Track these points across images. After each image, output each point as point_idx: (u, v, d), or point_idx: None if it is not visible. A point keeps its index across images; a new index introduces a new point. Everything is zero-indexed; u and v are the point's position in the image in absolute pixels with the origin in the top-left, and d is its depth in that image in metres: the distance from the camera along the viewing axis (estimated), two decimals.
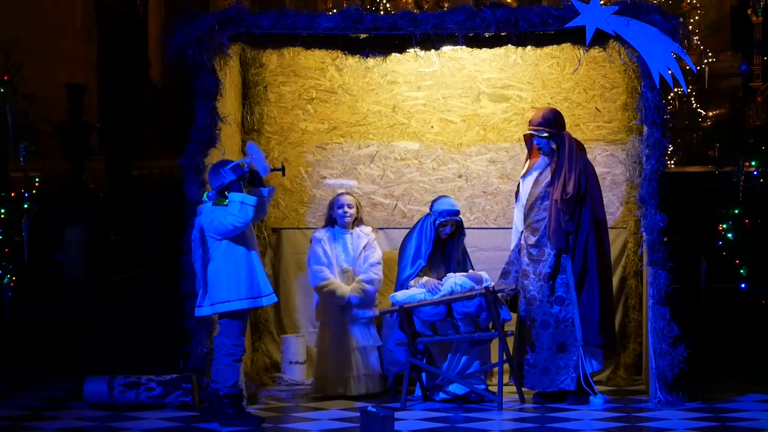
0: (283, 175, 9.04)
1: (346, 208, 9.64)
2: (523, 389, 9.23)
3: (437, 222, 9.33)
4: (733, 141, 11.74)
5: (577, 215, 9.08)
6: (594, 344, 9.15)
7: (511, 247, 9.42)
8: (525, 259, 9.22)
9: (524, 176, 9.34)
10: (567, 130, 9.59)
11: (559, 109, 9.48)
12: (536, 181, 9.24)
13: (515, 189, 9.52)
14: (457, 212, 9.38)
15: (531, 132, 9.21)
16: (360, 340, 9.59)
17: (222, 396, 8.55)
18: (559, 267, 9.12)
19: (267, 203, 8.74)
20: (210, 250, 8.54)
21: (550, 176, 9.17)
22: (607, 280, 9.28)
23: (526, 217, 9.27)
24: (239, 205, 8.40)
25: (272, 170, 8.76)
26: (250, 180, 8.62)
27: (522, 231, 9.32)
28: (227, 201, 8.47)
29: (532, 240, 9.19)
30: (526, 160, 9.42)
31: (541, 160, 9.27)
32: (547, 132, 9.12)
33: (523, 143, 9.62)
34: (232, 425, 8.48)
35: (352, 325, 9.58)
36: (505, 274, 9.36)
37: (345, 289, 9.53)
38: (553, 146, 9.15)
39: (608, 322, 9.23)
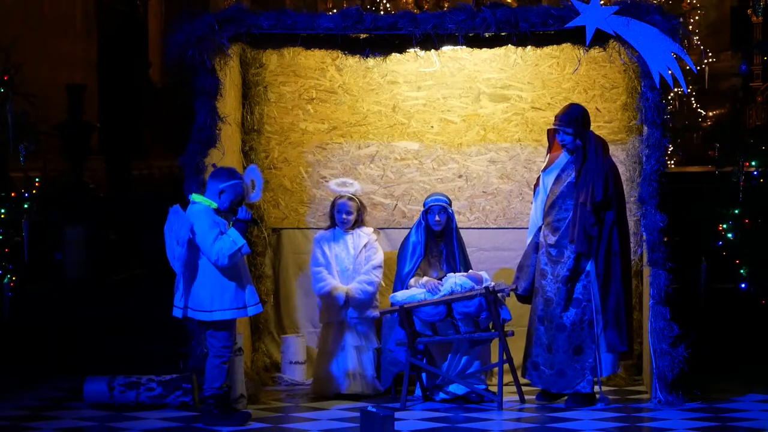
0: (258, 225, 9.06)
1: (344, 215, 9.65)
2: (523, 388, 9.22)
3: (425, 212, 9.35)
4: (733, 141, 11.73)
5: (603, 220, 9.00)
6: (620, 350, 9.08)
7: (527, 242, 9.33)
8: (544, 258, 9.14)
9: (546, 171, 9.24)
10: None
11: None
12: (558, 179, 9.14)
13: (534, 182, 9.38)
14: (443, 201, 9.37)
15: (556, 127, 9.15)
16: (356, 340, 9.59)
17: (207, 396, 8.55)
18: (578, 270, 9.05)
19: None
20: (198, 253, 8.53)
21: (574, 175, 9.06)
22: (630, 284, 9.22)
23: (546, 214, 9.18)
24: (236, 250, 8.39)
25: (250, 220, 8.65)
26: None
27: (541, 227, 9.25)
28: (228, 231, 8.48)
29: (552, 239, 9.11)
30: (547, 154, 9.34)
31: (562, 156, 9.16)
32: (572, 129, 9.02)
33: (523, 143, 9.64)
34: (216, 425, 8.48)
35: (350, 324, 9.59)
36: (520, 269, 9.31)
37: (342, 288, 9.53)
38: (578, 144, 9.07)
39: (631, 326, 9.19)
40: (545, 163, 9.30)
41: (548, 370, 9.12)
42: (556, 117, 9.14)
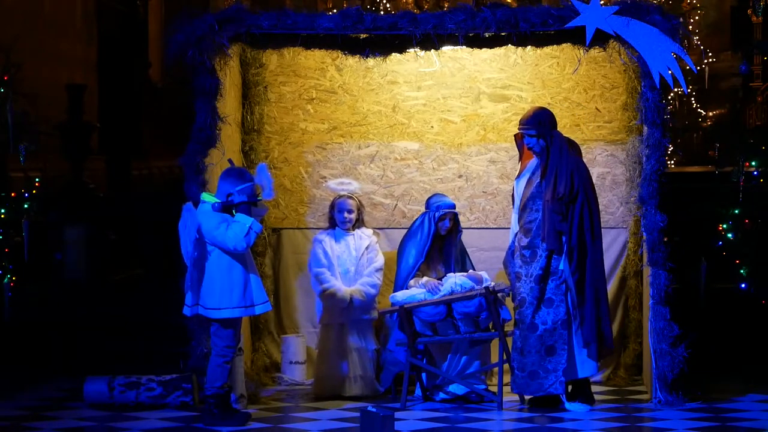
0: (257, 201, 9.04)
1: (346, 214, 9.65)
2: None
3: (436, 216, 9.34)
4: (733, 141, 11.73)
5: (570, 215, 8.98)
6: (589, 343, 9.02)
7: (507, 250, 9.33)
8: (518, 261, 9.11)
9: (518, 178, 9.26)
10: (567, 130, 9.57)
11: (555, 109, 9.46)
12: (529, 182, 9.12)
13: (512, 191, 9.44)
14: (453, 206, 9.40)
15: (520, 131, 9.13)
16: (357, 342, 9.59)
17: (208, 396, 8.55)
18: (550, 268, 9.01)
19: None
20: (206, 252, 8.53)
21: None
22: (601, 281, 9.14)
23: (519, 218, 9.17)
24: (247, 229, 8.40)
25: (246, 200, 8.57)
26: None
27: (517, 233, 9.24)
28: (234, 217, 8.47)
29: (525, 242, 9.07)
30: (519, 162, 9.35)
31: (533, 160, 9.17)
32: (535, 130, 9.01)
33: None
34: (216, 425, 8.48)
35: (351, 326, 9.59)
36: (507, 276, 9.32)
37: (346, 291, 9.53)
38: (543, 145, 9.05)
39: (601, 321, 9.07)
40: (518, 171, 9.28)
41: (521, 373, 9.02)
42: (519, 121, 9.13)
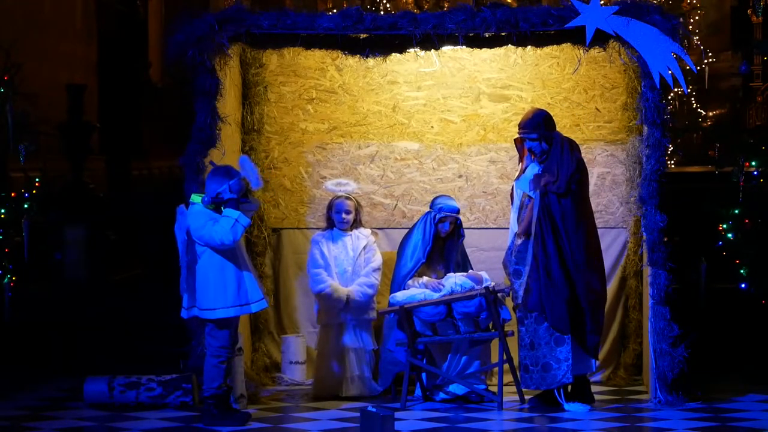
0: (248, 199, 9.03)
1: (343, 214, 9.64)
2: (522, 390, 9.22)
3: (437, 217, 9.33)
4: (733, 141, 11.73)
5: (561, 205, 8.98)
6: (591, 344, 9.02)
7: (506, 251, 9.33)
8: (514, 259, 9.12)
9: (518, 179, 9.26)
10: (567, 130, 9.55)
11: (555, 109, 9.45)
12: None
13: (510, 191, 9.42)
14: (457, 210, 9.39)
15: (521, 135, 9.12)
16: (354, 343, 9.59)
17: (206, 397, 8.55)
18: None
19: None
20: (196, 254, 8.54)
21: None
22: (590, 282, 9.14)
23: (519, 218, 9.18)
24: (233, 222, 8.39)
25: (236, 198, 8.56)
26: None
27: (516, 233, 9.22)
28: (222, 213, 8.47)
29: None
30: (519, 163, 9.33)
31: (533, 163, 9.16)
32: (536, 134, 9.00)
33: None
34: (216, 425, 8.48)
35: (349, 327, 9.59)
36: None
37: (343, 290, 9.52)
38: (545, 147, 9.04)
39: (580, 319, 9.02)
40: (518, 173, 9.26)
41: (534, 368, 9.03)
42: (519, 125, 9.11)
